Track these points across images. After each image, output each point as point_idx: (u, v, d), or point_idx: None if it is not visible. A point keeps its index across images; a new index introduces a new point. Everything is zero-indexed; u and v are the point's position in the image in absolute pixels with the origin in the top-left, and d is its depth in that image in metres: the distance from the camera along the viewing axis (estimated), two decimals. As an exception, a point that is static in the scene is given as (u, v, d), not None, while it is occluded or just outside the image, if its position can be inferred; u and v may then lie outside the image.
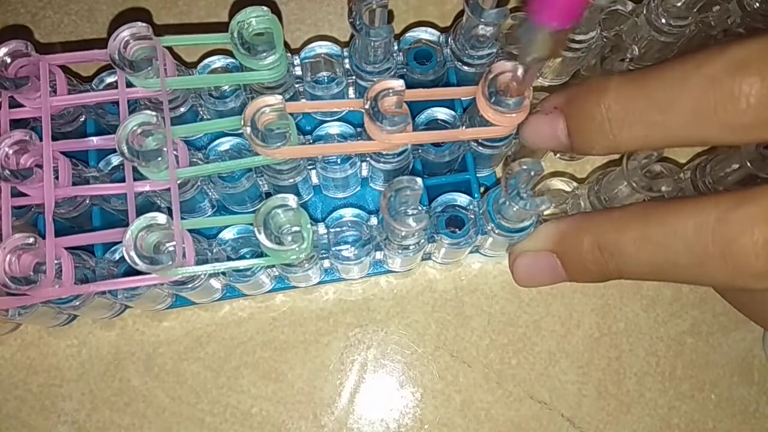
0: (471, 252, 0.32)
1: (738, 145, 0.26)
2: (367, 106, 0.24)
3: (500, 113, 0.24)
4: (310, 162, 0.28)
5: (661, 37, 0.30)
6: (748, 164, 0.28)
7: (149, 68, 0.25)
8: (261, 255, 0.25)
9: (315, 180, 0.30)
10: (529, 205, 0.24)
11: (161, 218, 0.23)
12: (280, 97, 0.24)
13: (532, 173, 0.24)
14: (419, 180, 0.23)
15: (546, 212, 0.29)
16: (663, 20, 0.29)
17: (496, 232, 0.27)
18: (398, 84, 0.24)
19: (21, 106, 0.26)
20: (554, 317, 0.32)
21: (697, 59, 0.20)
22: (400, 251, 0.27)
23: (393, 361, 0.32)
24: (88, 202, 0.27)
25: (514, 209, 0.25)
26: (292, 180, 0.28)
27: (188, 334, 0.32)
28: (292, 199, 0.23)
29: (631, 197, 0.28)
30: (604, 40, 0.31)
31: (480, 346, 0.32)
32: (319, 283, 0.31)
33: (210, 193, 0.29)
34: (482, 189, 0.30)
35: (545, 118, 0.24)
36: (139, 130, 0.24)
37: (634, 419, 0.31)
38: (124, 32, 0.25)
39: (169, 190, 0.25)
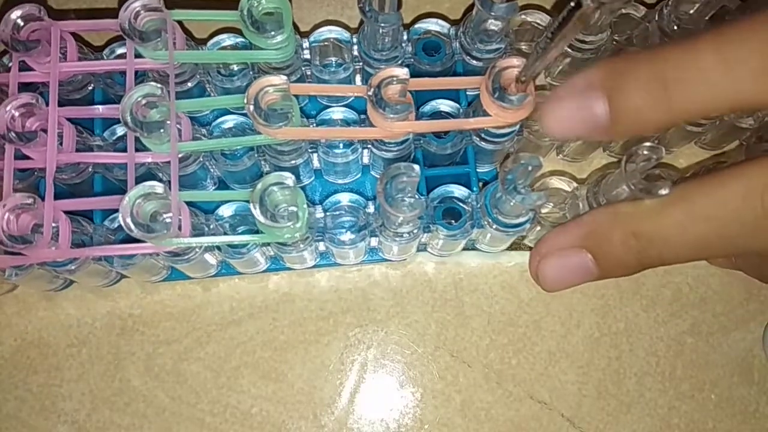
0: (468, 248, 0.32)
1: None
2: (370, 93, 0.24)
3: (504, 109, 0.24)
4: (311, 145, 0.28)
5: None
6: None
7: (158, 40, 0.25)
8: (257, 233, 0.25)
9: (316, 164, 0.30)
10: (526, 200, 0.24)
11: (159, 188, 0.24)
12: (285, 77, 0.24)
13: (530, 168, 0.23)
14: (416, 167, 0.23)
15: (544, 211, 0.28)
16: (675, 27, 0.29)
17: (493, 226, 0.27)
18: (402, 72, 0.24)
19: (31, 70, 0.26)
20: (554, 317, 0.32)
21: None
22: (395, 239, 0.27)
23: (393, 361, 0.32)
24: (90, 170, 0.28)
25: (511, 204, 0.25)
26: (293, 162, 0.28)
27: (188, 335, 0.32)
28: (289, 178, 0.24)
29: (629, 200, 0.28)
30: (614, 43, 0.30)
31: (480, 346, 0.32)
32: (314, 266, 0.31)
33: (212, 170, 0.29)
34: (481, 184, 0.30)
35: (577, 99, 0.21)
36: (143, 101, 0.25)
37: (634, 419, 0.31)
38: (136, 3, 0.25)
39: (170, 163, 0.25)
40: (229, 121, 0.28)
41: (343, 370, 0.32)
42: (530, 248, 0.32)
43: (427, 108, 0.28)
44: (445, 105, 0.28)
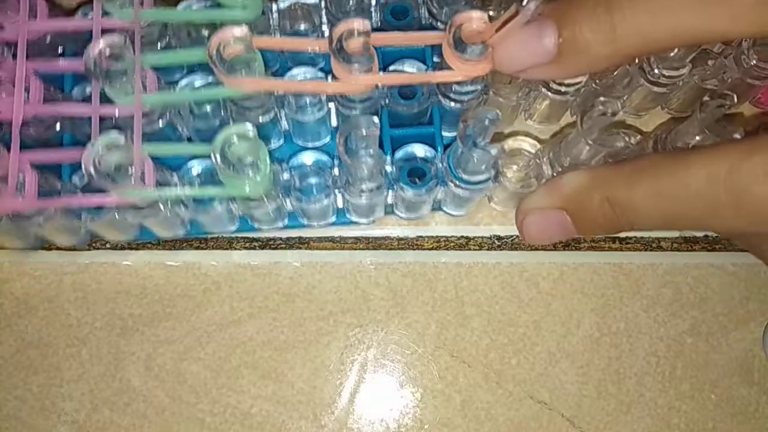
0: (434, 209, 0.32)
1: (742, 36, 0.23)
2: (332, 46, 0.24)
3: (465, 61, 0.24)
4: (278, 102, 0.28)
5: (654, 87, 0.30)
6: (707, 132, 0.28)
7: None
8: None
9: (285, 126, 0.31)
10: (484, 153, 0.24)
11: (121, 139, 0.24)
12: (246, 28, 0.24)
13: (486, 121, 0.24)
14: (376, 119, 0.24)
15: (509, 174, 0.29)
16: (656, 70, 0.29)
17: (456, 184, 0.27)
18: (362, 24, 0.24)
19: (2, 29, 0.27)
20: (554, 317, 0.32)
21: None
22: (359, 196, 0.27)
23: (393, 361, 0.32)
24: (58, 126, 0.28)
25: (473, 159, 0.25)
26: (259, 119, 0.28)
27: (188, 334, 0.32)
28: (251, 130, 0.24)
29: (590, 156, 0.28)
30: (594, 86, 0.30)
31: (480, 346, 0.32)
32: (284, 227, 0.32)
33: (181, 130, 0.30)
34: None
35: (528, 31, 0.22)
36: (107, 52, 0.25)
37: (634, 419, 0.31)
38: None
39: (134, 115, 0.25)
40: (198, 80, 0.28)
41: (343, 370, 0.32)
42: (525, 247, 0.33)
43: (393, 68, 0.29)
44: (410, 66, 0.29)
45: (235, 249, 0.33)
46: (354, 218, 0.32)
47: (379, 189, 0.28)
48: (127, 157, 0.24)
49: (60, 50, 0.30)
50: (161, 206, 0.27)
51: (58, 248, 0.32)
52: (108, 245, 0.32)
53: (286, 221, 0.32)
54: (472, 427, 0.31)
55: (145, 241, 0.32)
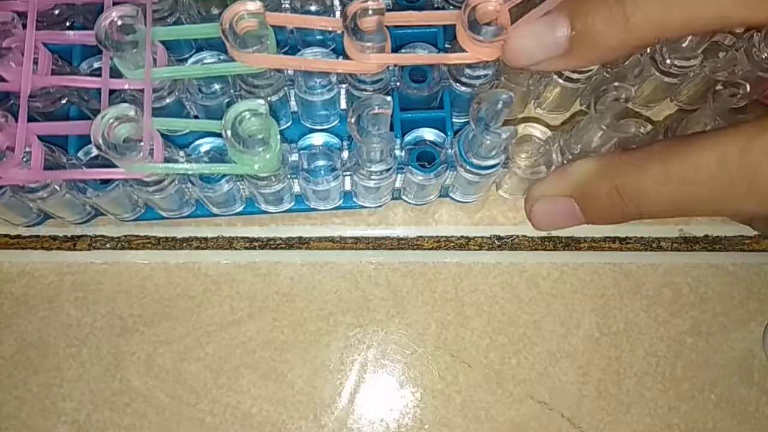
0: (441, 195, 0.32)
1: (755, 24, 0.23)
2: (346, 23, 0.24)
3: (479, 43, 0.24)
4: (288, 81, 0.28)
5: (665, 77, 0.30)
6: (719, 120, 0.28)
7: None
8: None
9: (294, 107, 0.31)
10: (496, 136, 0.24)
11: (131, 111, 0.24)
12: (260, 3, 0.24)
13: (500, 104, 0.24)
14: (389, 98, 0.24)
15: (520, 161, 0.29)
16: (668, 60, 0.29)
17: (466, 168, 0.27)
18: (376, 2, 0.24)
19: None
20: (554, 317, 0.32)
21: None
22: (369, 178, 0.27)
23: (393, 361, 0.32)
24: (65, 100, 0.28)
25: (483, 142, 0.25)
26: (269, 98, 0.28)
27: (188, 334, 0.32)
28: (262, 106, 0.24)
29: (602, 143, 0.28)
30: (605, 75, 0.30)
31: (480, 346, 0.32)
32: (288, 210, 0.32)
33: (189, 108, 0.30)
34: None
35: (539, 21, 0.22)
36: (119, 23, 0.25)
37: (634, 419, 0.31)
38: None
39: (144, 90, 0.25)
40: (208, 57, 0.28)
41: (343, 370, 0.32)
42: (525, 247, 0.33)
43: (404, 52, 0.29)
44: (422, 50, 0.29)
45: (235, 249, 0.33)
46: (361, 202, 0.32)
47: (388, 171, 0.27)
48: (136, 131, 0.24)
49: (69, 24, 0.30)
50: (168, 183, 0.27)
51: (58, 248, 0.32)
52: (108, 245, 0.32)
53: (292, 203, 0.32)
54: (472, 427, 0.31)
55: (149, 228, 0.32)
